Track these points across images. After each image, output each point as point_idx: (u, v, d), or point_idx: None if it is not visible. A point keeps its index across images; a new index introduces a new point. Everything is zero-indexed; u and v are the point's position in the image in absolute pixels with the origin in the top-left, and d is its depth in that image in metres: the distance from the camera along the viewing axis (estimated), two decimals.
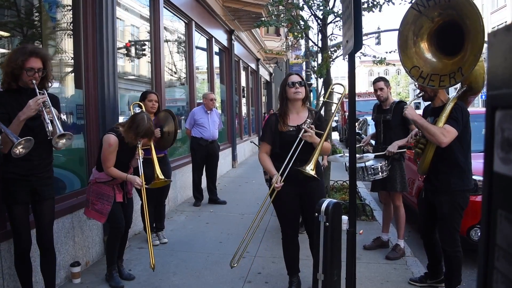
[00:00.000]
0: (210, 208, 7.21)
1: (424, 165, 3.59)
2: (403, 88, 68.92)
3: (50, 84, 3.26)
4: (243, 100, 15.60)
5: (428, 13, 3.10)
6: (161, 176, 4.51)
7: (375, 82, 4.93)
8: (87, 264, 4.52)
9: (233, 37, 12.18)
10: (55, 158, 3.46)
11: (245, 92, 15.73)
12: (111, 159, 3.79)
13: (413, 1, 3.24)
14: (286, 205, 3.62)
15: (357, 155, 4.74)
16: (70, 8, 4.81)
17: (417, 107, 19.70)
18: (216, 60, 11.17)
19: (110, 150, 3.77)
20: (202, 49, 10.26)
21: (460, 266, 3.63)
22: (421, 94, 3.65)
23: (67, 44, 4.86)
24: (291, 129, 3.49)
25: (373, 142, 5.46)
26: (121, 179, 3.90)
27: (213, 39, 10.53)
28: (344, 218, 3.46)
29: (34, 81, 3.02)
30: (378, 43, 22.72)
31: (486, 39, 2.64)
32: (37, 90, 3.00)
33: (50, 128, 2.95)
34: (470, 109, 3.82)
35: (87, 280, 4.18)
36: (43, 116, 2.96)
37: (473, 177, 4.47)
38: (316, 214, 3.13)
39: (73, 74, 4.87)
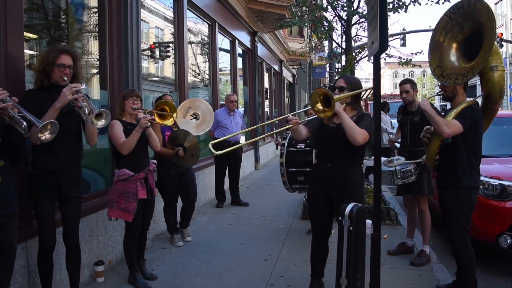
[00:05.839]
0: (232, 209, 7.21)
1: (429, 156, 3.84)
2: (429, 90, 67.71)
3: (80, 84, 3.31)
4: (266, 102, 15.57)
5: (458, 20, 3.40)
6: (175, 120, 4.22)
7: (401, 84, 4.85)
8: (111, 263, 4.57)
9: (256, 38, 12.18)
10: None
11: (268, 93, 15.70)
12: (119, 136, 3.80)
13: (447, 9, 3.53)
14: (313, 205, 3.63)
15: (387, 158, 4.67)
16: (96, 10, 4.88)
17: (443, 109, 19.37)
18: (239, 61, 11.20)
19: (114, 129, 3.82)
20: (226, 50, 10.29)
21: (473, 267, 3.59)
22: (441, 92, 3.85)
23: (93, 45, 4.93)
24: (331, 124, 3.46)
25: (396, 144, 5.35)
26: (135, 138, 3.76)
27: (237, 40, 10.56)
28: (368, 222, 3.39)
29: (65, 78, 3.11)
30: (403, 44, 22.41)
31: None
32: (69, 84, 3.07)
33: (87, 111, 2.99)
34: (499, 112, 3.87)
35: (111, 279, 4.22)
36: (79, 104, 2.99)
37: (503, 182, 4.40)
38: (340, 218, 3.08)
39: (98, 75, 4.94)
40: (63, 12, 4.62)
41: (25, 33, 3.60)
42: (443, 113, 3.95)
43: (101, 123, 3.04)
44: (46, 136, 2.62)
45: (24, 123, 2.46)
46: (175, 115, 4.26)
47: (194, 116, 5.05)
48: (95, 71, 4.99)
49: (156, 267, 4.54)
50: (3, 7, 3.22)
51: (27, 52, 3.79)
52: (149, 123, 3.83)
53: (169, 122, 4.26)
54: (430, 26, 11.66)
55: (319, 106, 3.16)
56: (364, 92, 3.77)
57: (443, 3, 7.72)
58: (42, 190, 3.17)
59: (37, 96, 3.12)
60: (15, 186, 2.71)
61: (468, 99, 3.77)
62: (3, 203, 2.54)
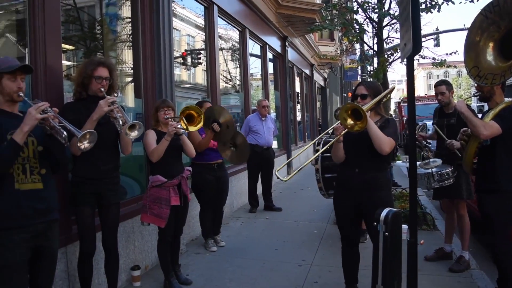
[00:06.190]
0: (265, 215, 7.21)
1: (467, 159, 3.71)
2: (465, 91, 65.89)
3: (116, 94, 3.43)
4: (298, 106, 15.53)
5: (494, 18, 3.25)
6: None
7: (436, 85, 4.74)
8: (147, 268, 4.64)
9: (286, 43, 12.18)
10: None
11: (299, 98, 15.66)
12: (151, 144, 3.89)
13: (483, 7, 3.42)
14: (340, 211, 3.58)
15: (423, 161, 4.56)
16: (129, 20, 5.00)
17: (480, 110, 18.83)
18: (270, 66, 11.22)
19: (147, 137, 3.91)
20: (256, 56, 10.33)
21: None
22: (478, 93, 3.73)
23: (127, 55, 5.05)
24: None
25: (432, 147, 5.23)
26: (164, 146, 3.82)
27: (267, 46, 10.58)
28: (404, 227, 3.33)
29: (102, 89, 3.23)
30: (437, 44, 21.88)
31: None
32: (106, 96, 3.18)
33: (121, 122, 3.09)
34: None
35: (147, 284, 4.29)
36: (114, 115, 3.10)
37: None
38: (375, 223, 3.03)
39: (132, 83, 5.05)
40: (98, 24, 4.76)
41: (63, 45, 3.73)
42: (480, 115, 3.83)
43: (134, 134, 3.12)
44: (85, 145, 2.71)
45: (65, 132, 2.55)
46: (202, 117, 4.31)
47: (233, 144, 5.15)
48: (130, 79, 5.11)
49: (190, 272, 4.59)
50: (42, 21, 3.36)
51: (65, 62, 3.92)
52: (180, 130, 3.89)
53: (196, 127, 4.32)
54: (464, 25, 11.34)
55: (350, 121, 3.11)
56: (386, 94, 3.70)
57: (477, 0, 7.52)
58: (83, 196, 3.28)
59: (75, 108, 3.25)
60: (56, 193, 2.80)
61: (506, 99, 3.65)
62: (45, 209, 2.63)
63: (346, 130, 3.16)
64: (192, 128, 4.25)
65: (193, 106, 4.31)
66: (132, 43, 5.01)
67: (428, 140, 5.44)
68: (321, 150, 3.78)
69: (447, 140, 4.45)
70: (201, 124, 4.26)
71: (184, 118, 4.09)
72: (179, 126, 3.89)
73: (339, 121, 3.18)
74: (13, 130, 2.44)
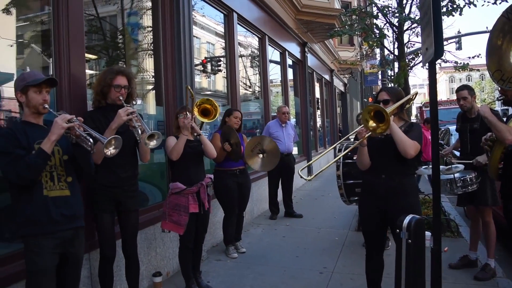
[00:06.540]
0: (286, 221, 7.18)
1: (492, 165, 3.60)
2: (488, 94, 64.59)
3: (134, 102, 3.48)
4: (318, 112, 15.47)
5: None
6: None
7: (458, 90, 4.67)
8: (168, 275, 4.67)
9: (306, 49, 12.17)
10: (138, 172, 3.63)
11: (319, 104, 15.59)
12: (170, 145, 3.94)
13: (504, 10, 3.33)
14: (366, 218, 3.53)
15: (445, 167, 4.48)
16: (151, 29, 5.08)
17: (505, 114, 18.44)
18: (289, 73, 11.21)
19: (168, 141, 4.00)
20: (276, 62, 10.34)
21: None
22: (501, 97, 3.66)
23: (148, 63, 5.12)
24: (379, 135, 3.32)
25: (456, 152, 5.14)
26: (182, 141, 3.87)
27: (286, 52, 10.59)
28: (428, 234, 3.27)
29: (121, 97, 3.28)
30: (459, 48, 21.54)
31: None
32: (125, 105, 3.24)
33: (140, 131, 3.12)
34: None
35: None
36: (133, 124, 3.13)
37: None
38: (398, 230, 2.98)
39: (154, 91, 5.11)
40: (120, 33, 4.84)
41: (86, 54, 3.80)
42: (505, 118, 3.75)
43: (153, 143, 3.15)
44: (111, 151, 2.75)
45: (91, 140, 2.61)
46: (216, 105, 4.37)
47: (261, 151, 5.17)
48: (151, 87, 5.17)
49: (211, 278, 4.59)
50: (66, 31, 3.44)
51: (88, 72, 4.00)
52: (198, 130, 3.97)
53: (213, 119, 4.37)
54: (487, 28, 11.16)
55: (372, 123, 3.08)
56: (409, 99, 3.66)
57: (500, 3, 7.40)
58: (103, 204, 3.34)
59: (94, 117, 3.30)
60: (81, 200, 2.85)
61: None
62: (72, 216, 2.68)
63: (370, 133, 3.13)
64: (207, 120, 4.31)
65: (204, 99, 4.38)
66: (153, 52, 5.08)
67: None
68: (343, 152, 3.75)
69: (473, 161, 4.37)
70: (217, 116, 4.30)
71: (199, 112, 4.16)
72: (190, 117, 3.95)
73: (362, 125, 3.15)
74: (40, 140, 2.51)
